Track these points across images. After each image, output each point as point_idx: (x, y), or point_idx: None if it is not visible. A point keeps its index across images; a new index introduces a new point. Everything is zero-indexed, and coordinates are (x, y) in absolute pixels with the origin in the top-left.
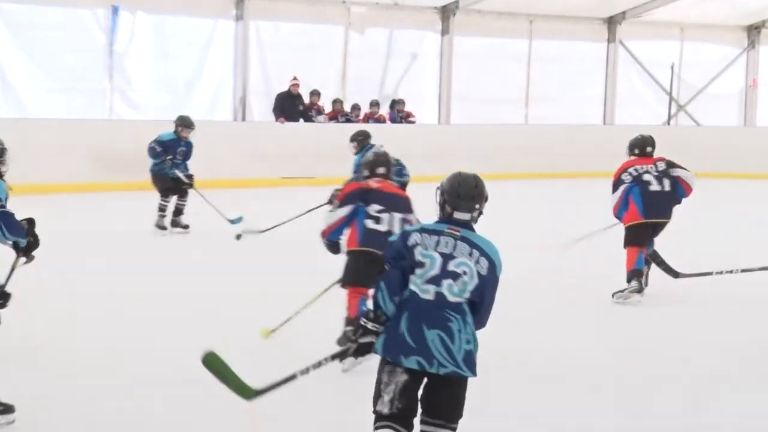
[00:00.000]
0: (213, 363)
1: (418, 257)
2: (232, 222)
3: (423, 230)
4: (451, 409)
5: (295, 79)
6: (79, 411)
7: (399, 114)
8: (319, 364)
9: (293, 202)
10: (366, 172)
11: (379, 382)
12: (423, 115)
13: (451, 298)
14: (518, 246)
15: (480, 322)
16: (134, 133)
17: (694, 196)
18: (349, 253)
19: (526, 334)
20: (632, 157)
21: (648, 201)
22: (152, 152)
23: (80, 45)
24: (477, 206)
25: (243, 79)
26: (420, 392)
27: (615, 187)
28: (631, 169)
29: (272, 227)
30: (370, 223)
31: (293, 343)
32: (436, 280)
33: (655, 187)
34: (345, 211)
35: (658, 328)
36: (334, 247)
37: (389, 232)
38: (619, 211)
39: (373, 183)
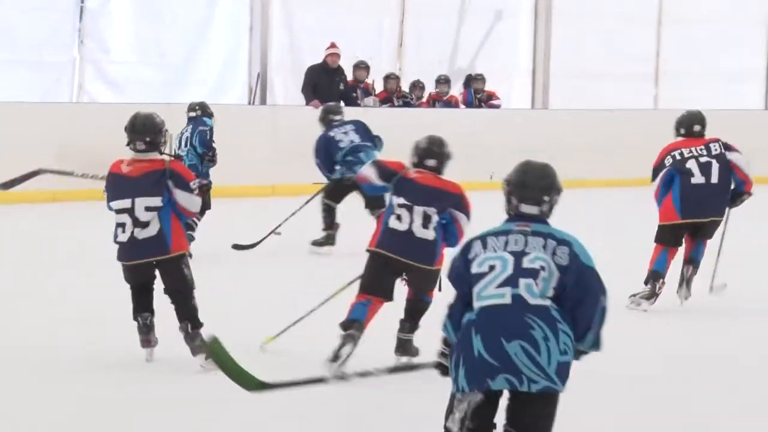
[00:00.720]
0: (216, 350)
1: (479, 268)
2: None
3: (488, 235)
4: (543, 429)
5: (333, 46)
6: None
7: (477, 95)
8: (364, 374)
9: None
10: (414, 159)
11: (452, 396)
12: (511, 96)
13: (532, 300)
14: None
15: (579, 329)
16: (112, 120)
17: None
18: (367, 251)
19: None
20: (678, 139)
21: (687, 196)
22: (210, 145)
23: (39, 1)
24: (546, 198)
25: (262, 48)
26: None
27: (655, 174)
28: (675, 153)
29: (261, 239)
30: (391, 221)
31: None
32: (511, 281)
33: (697, 179)
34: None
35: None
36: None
37: (409, 233)
38: (658, 201)
39: (413, 173)
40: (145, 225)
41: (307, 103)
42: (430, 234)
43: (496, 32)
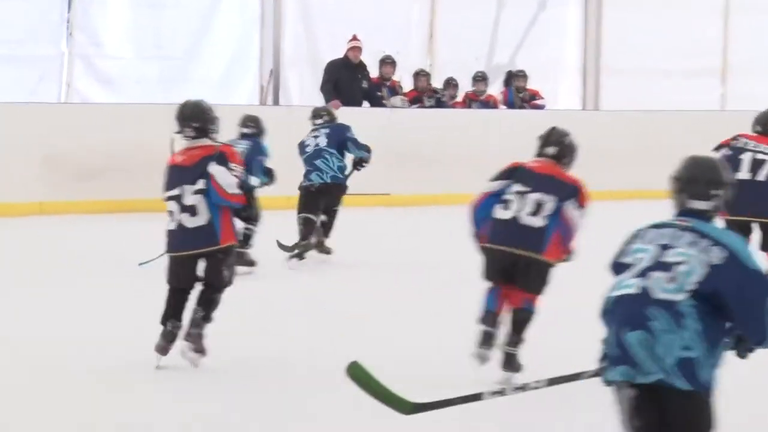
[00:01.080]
0: (358, 374)
1: (629, 258)
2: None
3: (649, 226)
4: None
5: (355, 39)
6: None
7: (519, 94)
8: (523, 388)
9: (353, 236)
10: (537, 150)
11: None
12: (557, 96)
13: (661, 294)
14: None
15: (748, 330)
16: (105, 122)
17: None
18: (481, 248)
19: None
20: (754, 134)
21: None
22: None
23: None
24: (715, 192)
25: (275, 40)
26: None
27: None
28: (740, 140)
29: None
30: (497, 211)
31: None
32: (644, 273)
33: (744, 174)
34: (494, 185)
35: None
36: (475, 237)
37: (514, 220)
38: None
39: (531, 162)
40: (192, 211)
41: (327, 103)
42: (537, 221)
43: (541, 23)
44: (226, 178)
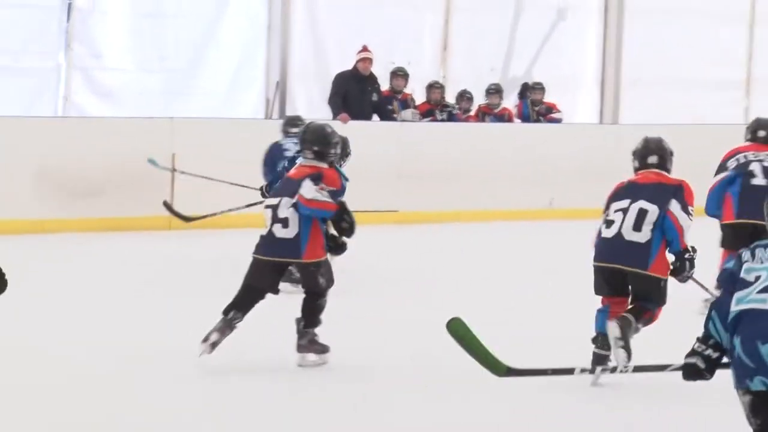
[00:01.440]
0: (458, 329)
1: (745, 275)
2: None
3: (757, 246)
4: None
5: (365, 50)
6: None
7: (535, 107)
8: (612, 370)
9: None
10: (636, 164)
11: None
12: (575, 109)
13: None
14: None
15: None
16: (104, 137)
17: None
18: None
19: None
20: (747, 143)
21: (746, 196)
22: None
23: None
24: None
25: (282, 52)
26: None
27: (717, 174)
28: (740, 156)
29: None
30: (602, 230)
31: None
32: None
33: (759, 180)
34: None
35: None
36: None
37: (617, 237)
38: (711, 207)
39: (634, 176)
40: (284, 223)
41: (335, 117)
42: (640, 236)
43: (558, 33)
44: (312, 191)
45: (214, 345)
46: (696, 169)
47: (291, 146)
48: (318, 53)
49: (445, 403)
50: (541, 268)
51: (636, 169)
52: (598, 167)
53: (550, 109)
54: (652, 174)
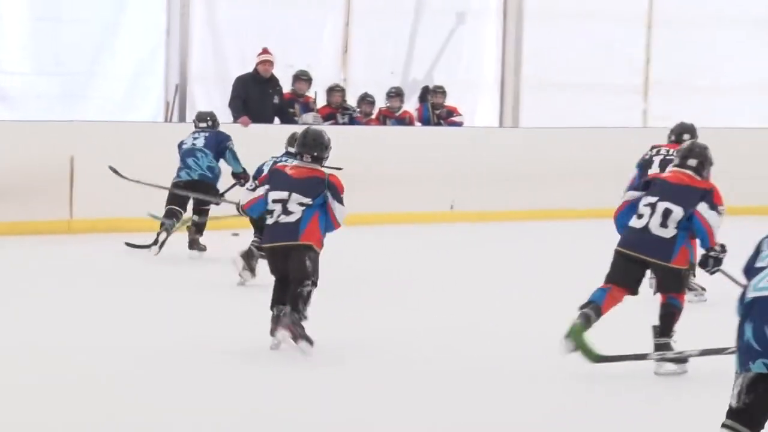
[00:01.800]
0: (576, 329)
1: (761, 263)
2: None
3: None
4: None
5: (265, 52)
6: None
7: (435, 111)
8: (681, 354)
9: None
10: (677, 161)
11: (735, 377)
12: (475, 112)
13: None
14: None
15: None
16: (3, 141)
17: None
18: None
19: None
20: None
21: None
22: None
23: None
24: None
25: (181, 54)
26: None
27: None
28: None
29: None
30: (632, 220)
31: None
32: None
33: (654, 169)
34: (632, 194)
35: None
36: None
37: (645, 229)
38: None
39: (668, 173)
40: (290, 215)
41: (235, 120)
42: (667, 232)
43: (458, 37)
44: (342, 212)
45: (276, 332)
46: (593, 170)
47: (188, 140)
48: (218, 56)
49: (423, 402)
50: (454, 271)
51: (676, 165)
52: (499, 170)
53: (451, 112)
54: (686, 176)
